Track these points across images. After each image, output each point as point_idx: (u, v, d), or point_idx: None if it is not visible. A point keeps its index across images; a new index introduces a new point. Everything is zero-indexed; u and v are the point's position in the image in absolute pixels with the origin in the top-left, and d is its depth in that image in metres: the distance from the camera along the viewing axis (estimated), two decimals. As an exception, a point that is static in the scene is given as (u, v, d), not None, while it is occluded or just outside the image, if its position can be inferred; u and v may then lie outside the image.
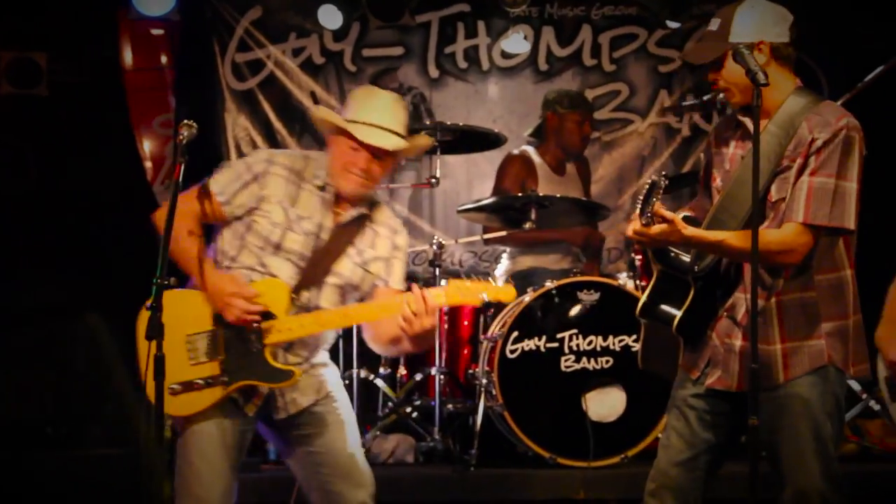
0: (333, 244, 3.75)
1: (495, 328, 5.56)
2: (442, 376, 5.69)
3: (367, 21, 7.26)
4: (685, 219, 3.45)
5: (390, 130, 3.73)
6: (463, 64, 7.37)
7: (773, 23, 3.50)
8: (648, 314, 3.63)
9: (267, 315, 3.67)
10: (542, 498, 5.18)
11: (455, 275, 6.22)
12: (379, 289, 3.85)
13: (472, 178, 7.30)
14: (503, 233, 5.92)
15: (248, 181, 3.73)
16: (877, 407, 5.74)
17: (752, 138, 3.39)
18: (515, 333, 5.37)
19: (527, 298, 5.46)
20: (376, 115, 3.73)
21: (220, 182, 3.74)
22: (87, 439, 5.95)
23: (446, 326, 5.89)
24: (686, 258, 3.53)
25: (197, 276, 3.67)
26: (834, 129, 3.41)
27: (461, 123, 6.09)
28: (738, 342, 3.52)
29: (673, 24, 7.29)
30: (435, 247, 5.80)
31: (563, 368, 5.37)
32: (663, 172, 3.40)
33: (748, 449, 3.32)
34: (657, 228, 3.36)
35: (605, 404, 5.35)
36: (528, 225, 5.57)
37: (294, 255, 3.71)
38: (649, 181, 3.35)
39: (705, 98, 5.95)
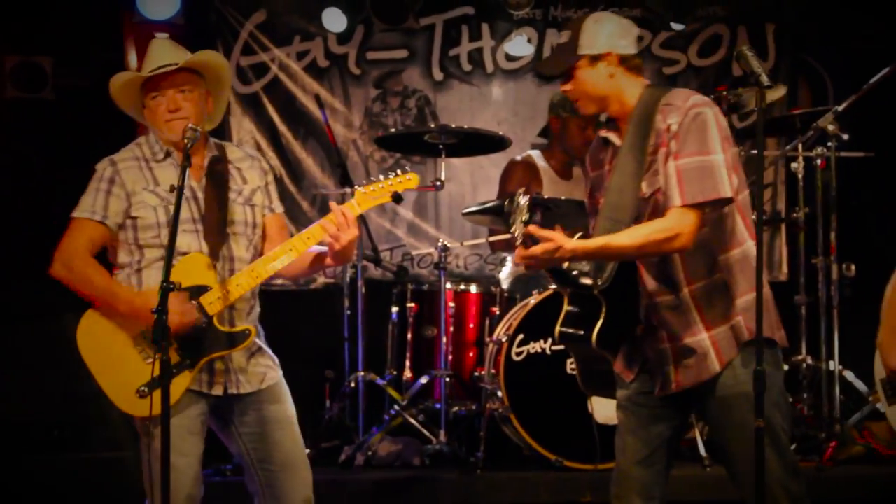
0: (212, 198, 3.85)
1: (501, 331, 5.56)
2: (447, 379, 5.69)
3: (372, 24, 7.27)
4: (582, 236, 3.49)
5: (173, 63, 3.87)
6: (467, 66, 7.38)
7: (619, 35, 3.57)
8: (566, 339, 3.63)
9: (201, 289, 3.74)
10: (548, 501, 5.18)
11: (460, 278, 6.25)
12: (266, 217, 3.98)
13: (476, 181, 7.30)
14: (508, 235, 5.91)
15: (108, 188, 3.82)
16: (884, 409, 5.73)
17: (618, 155, 3.51)
18: (521, 336, 5.37)
19: (532, 301, 5.46)
20: (155, 58, 3.88)
21: (86, 207, 3.82)
22: (94, 442, 5.95)
23: (452, 329, 5.88)
24: (587, 277, 3.52)
25: (119, 306, 3.73)
26: (683, 111, 3.45)
27: (465, 126, 6.10)
28: (665, 345, 3.55)
29: (677, 27, 7.29)
30: (440, 250, 5.81)
31: (568, 371, 5.37)
32: (521, 190, 3.43)
33: (755, 448, 3.33)
34: (540, 248, 3.38)
35: (612, 407, 5.31)
36: (532, 227, 5.56)
37: (186, 223, 3.78)
38: (507, 203, 3.38)
39: (711, 97, 5.93)
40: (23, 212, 6.94)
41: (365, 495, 5.13)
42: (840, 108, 5.57)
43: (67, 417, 6.02)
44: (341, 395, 6.02)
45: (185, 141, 3.61)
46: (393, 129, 7.07)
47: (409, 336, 6.03)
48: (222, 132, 7.22)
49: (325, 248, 3.87)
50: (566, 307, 3.62)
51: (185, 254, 3.76)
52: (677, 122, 3.44)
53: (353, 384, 5.94)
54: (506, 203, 3.38)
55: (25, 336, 6.17)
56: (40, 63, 7.10)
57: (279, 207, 4.02)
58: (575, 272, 3.51)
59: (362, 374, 5.90)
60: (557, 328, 3.62)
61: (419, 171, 7.28)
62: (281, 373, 3.97)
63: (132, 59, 7.19)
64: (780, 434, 3.48)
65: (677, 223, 3.39)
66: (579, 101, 3.60)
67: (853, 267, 5.83)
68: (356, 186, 3.91)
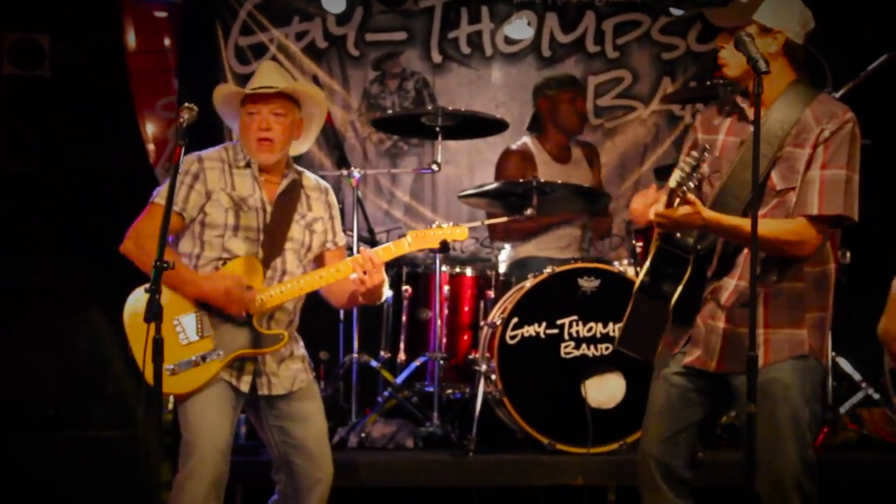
0: (279, 214, 4.08)
1: (495, 314, 5.57)
2: (441, 362, 5.70)
3: (371, 5, 7.25)
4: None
5: (273, 86, 4.07)
6: (466, 49, 7.36)
7: (796, 21, 3.58)
8: (647, 291, 3.65)
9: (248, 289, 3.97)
10: (540, 484, 5.20)
11: (455, 261, 6.26)
12: (327, 253, 4.23)
13: (473, 164, 7.29)
14: (504, 219, 5.92)
15: (192, 183, 4.03)
16: (876, 396, 5.75)
17: (750, 123, 3.46)
18: (515, 319, 5.37)
19: (527, 285, 5.46)
20: (259, 79, 4.09)
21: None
22: (90, 421, 5.96)
23: (447, 312, 5.88)
24: (689, 237, 3.55)
25: (186, 289, 3.95)
26: (841, 120, 3.48)
27: (463, 109, 6.08)
28: (720, 324, 3.57)
29: (676, 12, 7.27)
30: (436, 232, 5.80)
31: (562, 355, 5.38)
32: (707, 147, 3.40)
33: (745, 435, 3.33)
34: (682, 210, 3.39)
35: (605, 391, 5.36)
36: (529, 211, 5.57)
37: (251, 231, 4.02)
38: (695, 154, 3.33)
39: (709, 83, 5.93)
40: (19, 190, 6.94)
41: (358, 477, 5.14)
42: (837, 95, 5.56)
43: (63, 396, 6.03)
44: (335, 377, 6.03)
45: (181, 121, 3.65)
46: (390, 111, 7.05)
47: (404, 318, 6.03)
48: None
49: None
50: (651, 263, 3.62)
51: (238, 256, 3.99)
52: (833, 129, 3.47)
53: (347, 366, 5.95)
54: (693, 154, 3.33)
55: (21, 316, 6.18)
56: (38, 40, 7.10)
57: (342, 241, 4.29)
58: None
59: (356, 355, 5.90)
60: (641, 276, 3.64)
61: (416, 153, 7.32)
62: (313, 375, 4.20)
63: (130, 37, 7.18)
64: (805, 429, 3.52)
65: (806, 232, 3.46)
66: (728, 62, 3.56)
67: (848, 254, 5.83)
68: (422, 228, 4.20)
